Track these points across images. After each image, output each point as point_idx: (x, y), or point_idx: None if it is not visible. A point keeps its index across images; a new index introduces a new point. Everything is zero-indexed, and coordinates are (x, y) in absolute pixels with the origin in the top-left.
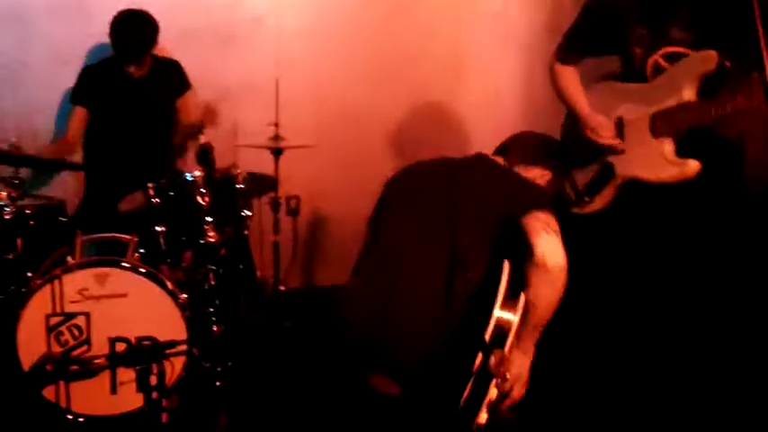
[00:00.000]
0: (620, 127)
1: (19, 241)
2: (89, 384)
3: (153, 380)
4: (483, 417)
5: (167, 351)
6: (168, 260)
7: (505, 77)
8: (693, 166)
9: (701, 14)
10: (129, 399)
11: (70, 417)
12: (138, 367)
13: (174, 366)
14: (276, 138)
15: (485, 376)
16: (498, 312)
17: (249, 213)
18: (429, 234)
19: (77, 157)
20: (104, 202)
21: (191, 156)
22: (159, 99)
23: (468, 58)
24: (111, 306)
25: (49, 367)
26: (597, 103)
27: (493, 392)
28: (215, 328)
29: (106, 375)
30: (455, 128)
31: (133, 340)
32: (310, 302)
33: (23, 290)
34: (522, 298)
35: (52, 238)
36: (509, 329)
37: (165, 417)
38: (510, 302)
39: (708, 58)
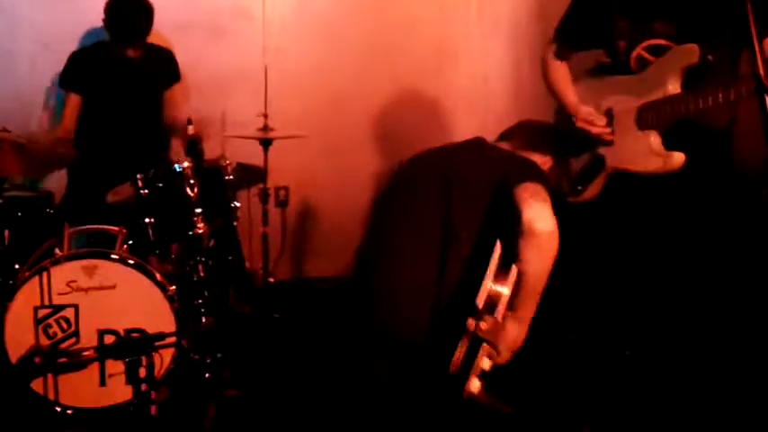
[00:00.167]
0: (609, 118)
1: (6, 233)
2: (77, 377)
3: (142, 372)
4: (475, 386)
5: (156, 343)
6: (157, 252)
7: (493, 64)
8: (678, 158)
9: (683, 7)
10: (118, 391)
11: (58, 409)
12: (126, 359)
13: (163, 358)
14: (265, 128)
15: (475, 342)
16: (490, 284)
17: (238, 204)
18: (423, 215)
19: None
20: (91, 194)
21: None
22: (148, 85)
23: (456, 46)
24: (99, 298)
25: (37, 360)
26: (587, 95)
27: (485, 362)
28: (204, 320)
29: (95, 368)
30: (444, 115)
31: (122, 332)
32: (299, 294)
33: (11, 282)
34: (514, 269)
35: (40, 230)
36: (499, 300)
37: (154, 409)
38: (501, 275)
39: (690, 52)
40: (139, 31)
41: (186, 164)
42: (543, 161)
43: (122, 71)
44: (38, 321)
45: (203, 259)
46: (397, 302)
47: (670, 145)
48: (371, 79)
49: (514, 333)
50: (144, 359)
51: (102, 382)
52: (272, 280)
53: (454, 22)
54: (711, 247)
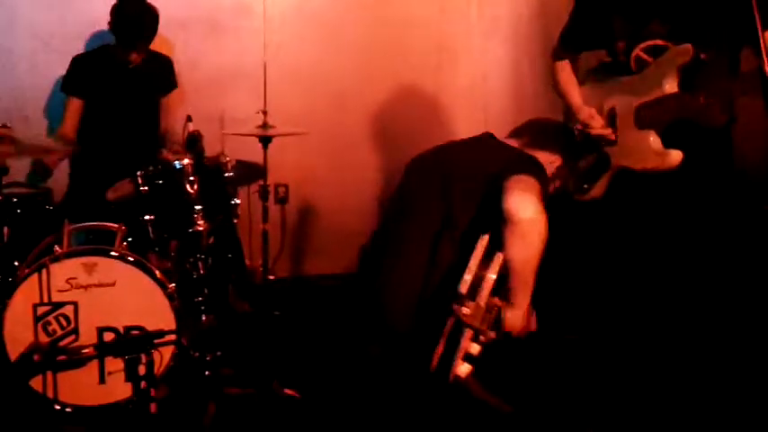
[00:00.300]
0: (612, 118)
1: (5, 230)
2: (77, 374)
3: (141, 369)
4: (463, 369)
5: (156, 341)
6: (156, 249)
7: (493, 63)
8: (675, 156)
9: (678, 8)
10: (118, 388)
11: (58, 407)
12: (126, 357)
13: (163, 356)
14: (264, 125)
15: (458, 326)
16: (473, 270)
17: (238, 201)
18: (425, 210)
19: None
20: (92, 191)
21: None
22: (146, 90)
23: (456, 44)
24: (99, 295)
25: (36, 357)
26: (592, 96)
27: (473, 347)
28: (204, 318)
29: (94, 365)
30: (443, 113)
31: (121, 330)
32: (299, 291)
33: (10, 279)
34: (499, 256)
35: (39, 227)
36: (483, 285)
37: (153, 406)
38: (486, 262)
39: (684, 52)
40: (145, 35)
41: (186, 161)
42: (551, 159)
43: (124, 76)
44: (37, 319)
45: (203, 257)
46: (393, 291)
47: (670, 143)
48: (371, 77)
49: (514, 322)
50: (143, 357)
51: (102, 380)
52: (271, 277)
53: (454, 20)
54: (712, 245)
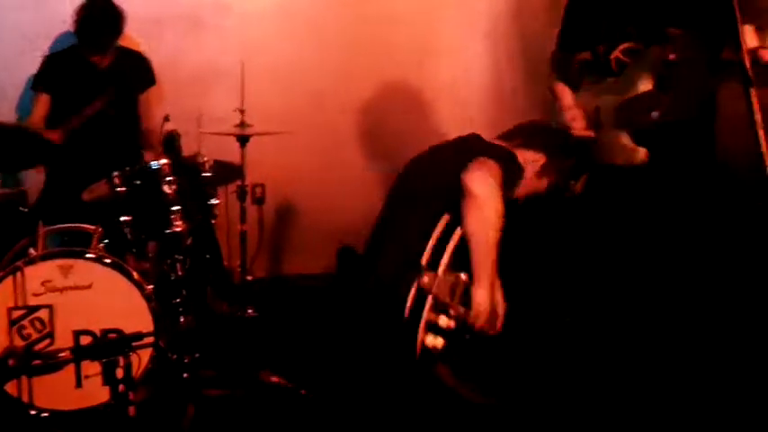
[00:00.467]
0: (596, 118)
1: None
2: (53, 379)
3: (119, 373)
4: (433, 341)
5: (133, 343)
6: (134, 250)
7: (472, 62)
8: (641, 153)
9: (652, 12)
10: (95, 392)
11: (33, 412)
12: (103, 360)
13: (141, 359)
14: (242, 125)
15: (421, 294)
16: (432, 244)
17: (216, 202)
18: (423, 204)
19: None
20: (67, 192)
21: None
22: (124, 89)
23: (436, 42)
24: (75, 298)
25: (11, 362)
26: (586, 98)
27: (441, 319)
28: (182, 320)
29: (70, 369)
30: (425, 111)
31: (98, 333)
32: (278, 291)
33: None
34: (458, 231)
35: (13, 229)
36: (441, 258)
37: (132, 410)
38: (445, 237)
39: (653, 53)
40: (106, 38)
41: (163, 161)
42: (535, 158)
43: (96, 76)
44: (12, 323)
45: (181, 258)
46: (387, 257)
47: (654, 138)
48: (351, 74)
49: (479, 299)
50: (121, 360)
51: (79, 384)
52: (249, 278)
53: (435, 17)
54: (694, 236)
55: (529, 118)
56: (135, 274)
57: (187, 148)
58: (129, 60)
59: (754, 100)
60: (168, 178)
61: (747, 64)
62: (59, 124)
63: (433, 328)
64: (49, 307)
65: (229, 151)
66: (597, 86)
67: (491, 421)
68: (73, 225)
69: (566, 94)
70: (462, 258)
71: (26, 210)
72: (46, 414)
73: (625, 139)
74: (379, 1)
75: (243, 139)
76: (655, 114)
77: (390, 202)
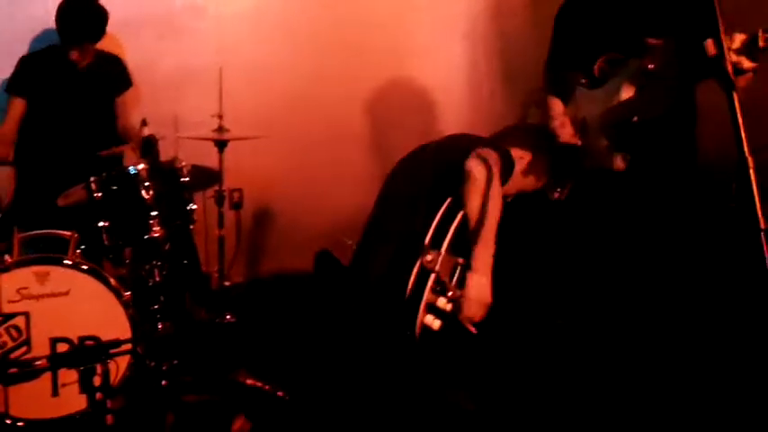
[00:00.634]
0: (584, 125)
1: None
2: (29, 387)
3: (96, 380)
4: (429, 319)
5: (111, 350)
6: (110, 256)
7: (450, 63)
8: (618, 161)
9: (631, 23)
10: (72, 401)
11: (9, 421)
12: (80, 368)
13: (119, 366)
14: (220, 129)
15: (423, 273)
16: (435, 224)
17: (195, 207)
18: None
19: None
20: (41, 197)
21: None
22: (100, 92)
23: (413, 44)
24: (51, 305)
25: None
26: (573, 107)
27: (440, 300)
28: (160, 326)
29: (47, 377)
30: (402, 114)
31: (75, 340)
32: (255, 296)
33: None
34: (460, 214)
35: None
36: (444, 238)
37: (110, 418)
38: (448, 219)
39: (633, 62)
40: (89, 35)
41: (141, 166)
42: (521, 155)
43: (74, 77)
44: None
45: (159, 263)
46: (376, 256)
47: (635, 142)
48: (327, 78)
49: (475, 283)
50: (98, 367)
51: (56, 392)
52: (227, 283)
53: (412, 19)
54: (678, 238)
55: (506, 119)
56: (112, 281)
57: (164, 153)
58: (106, 62)
59: (737, 103)
60: (146, 183)
61: (729, 67)
62: (39, 128)
63: (433, 309)
64: (26, 314)
65: (206, 155)
66: (584, 96)
67: (481, 427)
68: (49, 231)
69: (557, 105)
70: (459, 243)
71: None
72: (22, 423)
73: (604, 144)
74: (356, 3)
75: (221, 144)
76: (635, 119)
77: (382, 200)
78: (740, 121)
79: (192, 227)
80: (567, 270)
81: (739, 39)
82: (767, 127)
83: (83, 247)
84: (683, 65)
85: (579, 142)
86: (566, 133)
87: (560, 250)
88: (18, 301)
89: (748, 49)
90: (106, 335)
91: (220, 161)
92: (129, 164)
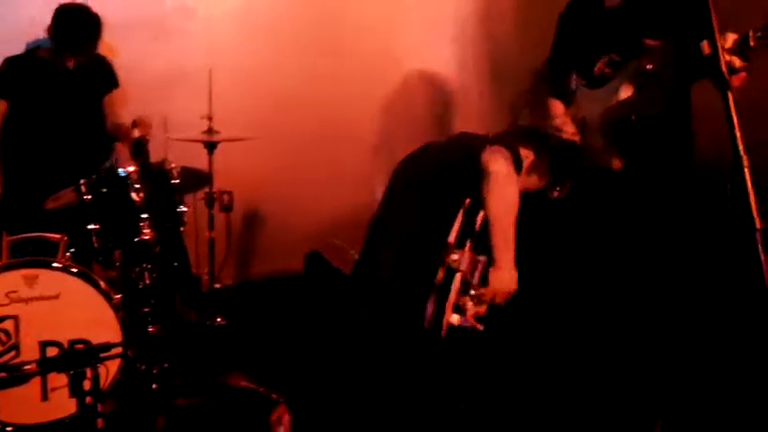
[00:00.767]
0: (583, 125)
1: None
2: (18, 392)
3: (87, 384)
4: (455, 318)
5: (101, 354)
6: (100, 259)
7: (439, 65)
8: (616, 161)
9: (631, 25)
10: (62, 405)
11: None
12: (70, 372)
13: (109, 370)
14: (210, 131)
15: (449, 273)
16: (458, 225)
17: (185, 209)
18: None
19: None
20: (28, 200)
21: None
22: (87, 92)
23: (402, 46)
24: (41, 308)
25: None
26: (573, 108)
27: (468, 304)
28: (150, 329)
29: (36, 381)
30: (391, 116)
31: (65, 344)
32: (246, 298)
33: None
34: (481, 214)
35: None
36: (468, 238)
37: (100, 422)
38: (469, 219)
39: (632, 64)
40: (85, 44)
41: (131, 168)
42: (525, 154)
43: (59, 79)
44: None
45: (149, 266)
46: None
47: (633, 142)
48: (317, 79)
49: (498, 279)
50: (89, 371)
51: (45, 397)
52: (218, 285)
53: (401, 23)
54: (674, 237)
55: (495, 121)
56: (102, 284)
57: (153, 154)
58: (92, 63)
59: (732, 102)
60: (136, 185)
61: (724, 67)
62: (24, 130)
63: (459, 310)
64: (15, 318)
65: (195, 157)
66: (585, 97)
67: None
68: (38, 234)
69: (557, 106)
70: (480, 242)
71: None
72: (11, 429)
73: (602, 144)
74: (345, 5)
75: (211, 146)
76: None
77: (386, 201)
78: (735, 120)
79: (182, 229)
80: (565, 268)
81: (731, 38)
82: (762, 126)
83: (72, 249)
84: (681, 65)
85: (579, 141)
86: (569, 130)
87: (560, 248)
88: (7, 304)
89: (740, 49)
90: (96, 338)
91: (210, 163)
92: (121, 158)
